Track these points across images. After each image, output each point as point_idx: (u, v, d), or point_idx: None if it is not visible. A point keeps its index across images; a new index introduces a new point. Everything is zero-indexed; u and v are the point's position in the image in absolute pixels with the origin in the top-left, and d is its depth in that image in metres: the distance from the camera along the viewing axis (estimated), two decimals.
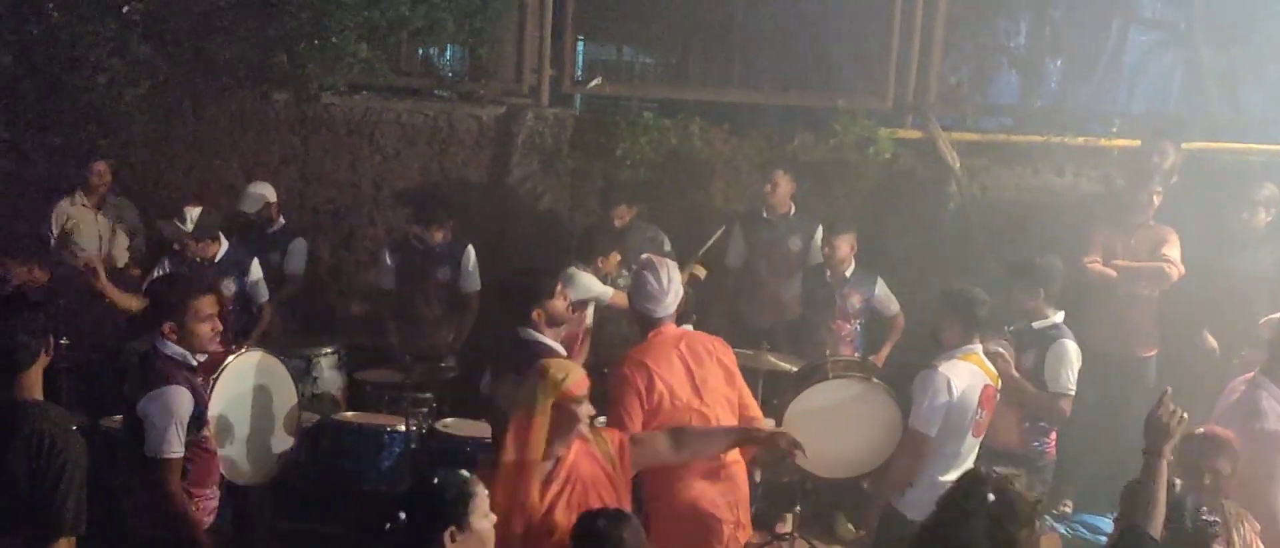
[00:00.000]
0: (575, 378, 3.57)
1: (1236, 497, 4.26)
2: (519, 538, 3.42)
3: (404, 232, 6.92)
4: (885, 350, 6.42)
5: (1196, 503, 3.75)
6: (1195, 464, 4.15)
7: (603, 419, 4.14)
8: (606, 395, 4.20)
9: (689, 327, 4.59)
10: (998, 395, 4.80)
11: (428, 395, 5.96)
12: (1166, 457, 3.37)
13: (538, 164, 7.43)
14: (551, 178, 7.44)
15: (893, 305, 6.45)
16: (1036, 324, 5.21)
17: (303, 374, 6.02)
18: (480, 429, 5.33)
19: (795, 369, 5.61)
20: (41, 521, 3.38)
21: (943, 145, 7.12)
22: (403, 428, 5.59)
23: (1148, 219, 6.26)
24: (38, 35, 7.28)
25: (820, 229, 6.61)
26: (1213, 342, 6.26)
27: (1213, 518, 3.74)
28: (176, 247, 6.06)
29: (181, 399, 3.92)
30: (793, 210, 6.79)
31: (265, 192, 6.81)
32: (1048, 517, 5.69)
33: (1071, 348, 5.11)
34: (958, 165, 7.09)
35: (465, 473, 3.14)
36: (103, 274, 5.78)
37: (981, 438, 4.79)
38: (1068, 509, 6.10)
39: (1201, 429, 4.27)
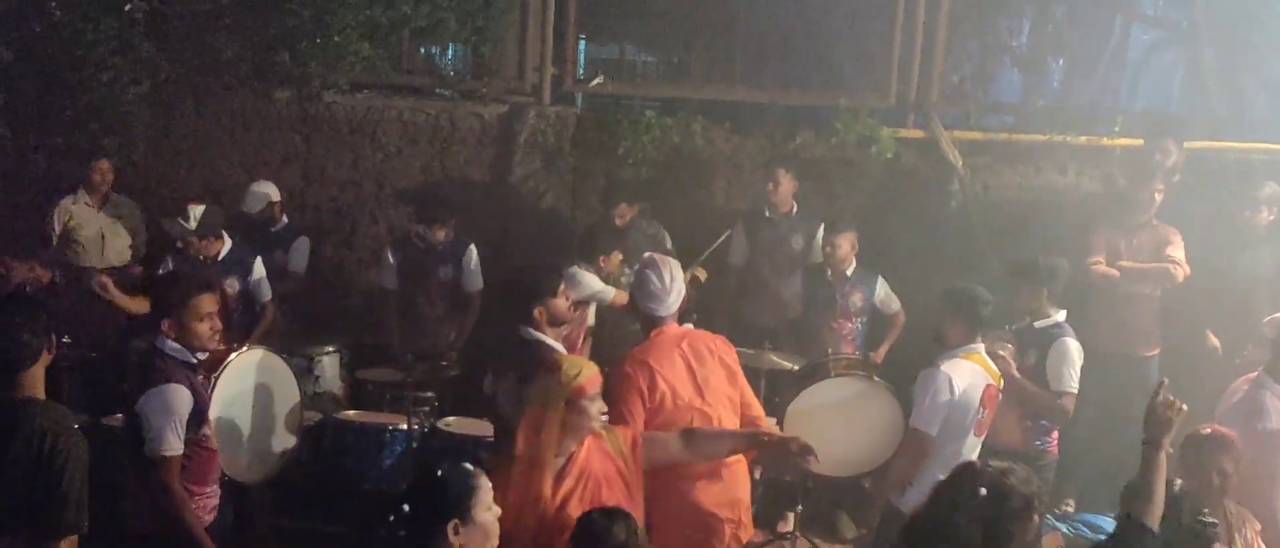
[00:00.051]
0: (588, 375, 3.61)
1: (1237, 497, 4.26)
2: (532, 534, 3.43)
3: (406, 230, 6.92)
4: (884, 348, 6.42)
5: (1195, 504, 3.75)
6: (1202, 465, 4.14)
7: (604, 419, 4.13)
8: (608, 394, 4.20)
9: (690, 325, 4.59)
10: (1000, 395, 4.80)
11: (429, 394, 5.98)
12: (1165, 449, 3.38)
13: (540, 163, 7.43)
14: (553, 176, 7.44)
15: (893, 304, 6.45)
16: (1038, 323, 5.20)
17: (305, 373, 6.02)
18: (482, 428, 5.33)
19: (797, 368, 5.61)
20: (43, 519, 3.38)
21: (945, 144, 7.12)
22: (404, 427, 5.59)
23: (1150, 218, 6.25)
24: (40, 33, 7.29)
25: (822, 228, 6.60)
26: (1215, 341, 6.26)
27: (1212, 520, 3.74)
28: (180, 244, 6.06)
29: (180, 397, 3.92)
30: (795, 209, 6.79)
31: (268, 191, 6.81)
32: (1050, 516, 5.68)
33: (1073, 347, 5.10)
34: (960, 164, 7.08)
35: (468, 466, 3.14)
36: (111, 286, 5.78)
37: (983, 437, 4.79)
38: (1069, 508, 6.10)
39: (1207, 430, 4.26)
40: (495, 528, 3.09)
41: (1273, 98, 7.44)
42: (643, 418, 4.11)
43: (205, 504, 4.14)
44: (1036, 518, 3.18)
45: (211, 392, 4.44)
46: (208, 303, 4.13)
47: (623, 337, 5.99)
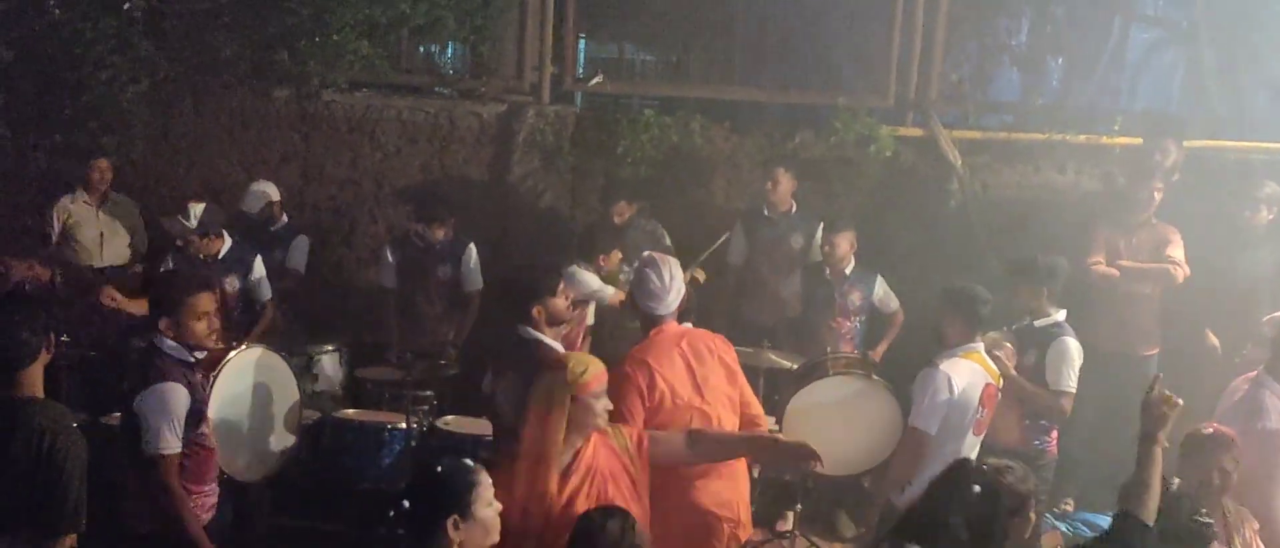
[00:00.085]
0: (594, 372, 3.62)
1: (1236, 496, 4.26)
2: (539, 531, 3.43)
3: (405, 229, 6.92)
4: (882, 346, 6.42)
5: (1194, 504, 3.74)
6: (1203, 464, 4.13)
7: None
8: (608, 393, 4.20)
9: (689, 325, 4.59)
10: (999, 394, 4.80)
11: (428, 393, 5.97)
12: (1161, 444, 3.38)
13: (539, 162, 7.42)
14: (552, 175, 7.44)
15: (892, 303, 6.45)
16: (1038, 322, 5.20)
17: (304, 371, 6.01)
18: (481, 427, 5.33)
19: (795, 367, 5.61)
20: (42, 518, 3.38)
21: (944, 143, 7.12)
22: (403, 426, 5.59)
23: (1149, 216, 6.25)
24: (39, 32, 7.29)
25: (821, 227, 6.60)
26: (1214, 340, 6.26)
27: (1208, 519, 3.74)
28: (180, 243, 6.05)
29: (177, 396, 3.93)
30: (794, 208, 6.79)
31: (267, 190, 6.80)
32: (1049, 515, 5.68)
33: (1073, 346, 5.10)
34: (959, 163, 7.08)
35: (468, 462, 3.14)
36: (119, 297, 5.77)
37: (982, 436, 4.79)
38: (1069, 508, 6.10)
39: (1209, 429, 4.26)
40: (496, 524, 3.08)
41: (1272, 97, 7.44)
42: (642, 417, 4.10)
43: (203, 503, 4.14)
44: (1033, 517, 3.18)
45: (210, 391, 4.44)
46: (205, 302, 4.13)
47: (622, 336, 5.98)
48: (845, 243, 6.30)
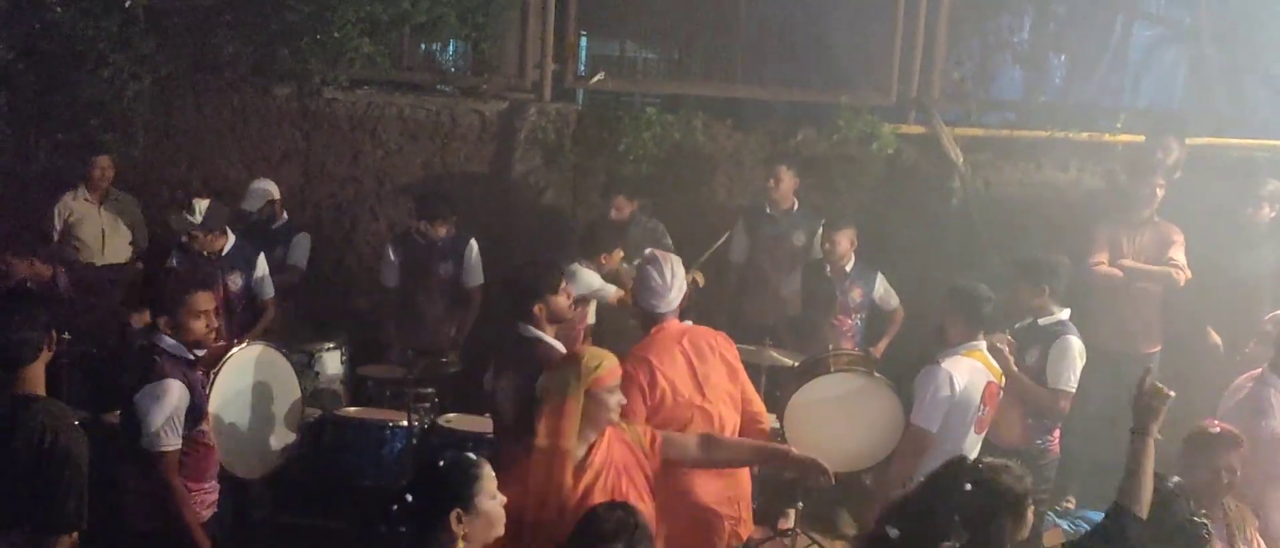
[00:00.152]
0: (608, 367, 3.64)
1: (1236, 494, 4.24)
2: (553, 525, 3.43)
3: (407, 227, 6.92)
4: (883, 343, 6.41)
5: (1189, 504, 3.72)
6: (1209, 463, 4.09)
7: None
8: None
9: (690, 322, 4.58)
10: (1001, 392, 4.79)
11: (430, 391, 5.97)
12: (1153, 436, 3.37)
13: (540, 159, 7.42)
14: (554, 173, 7.43)
15: (893, 300, 6.45)
16: (1042, 321, 5.18)
17: (305, 369, 6.01)
18: (482, 425, 5.33)
19: (797, 364, 5.60)
20: (43, 516, 3.39)
21: (946, 141, 7.11)
22: (404, 423, 5.58)
23: (1152, 214, 6.24)
24: (40, 30, 7.29)
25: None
26: (1217, 338, 6.25)
27: (1203, 520, 3.72)
28: (185, 239, 6.06)
29: (175, 393, 3.93)
30: (796, 206, 6.78)
31: (268, 188, 6.80)
32: (1051, 513, 5.68)
33: (1075, 345, 5.07)
34: (961, 161, 7.07)
35: (471, 455, 3.13)
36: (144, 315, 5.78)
37: (984, 434, 4.78)
38: (1071, 505, 6.10)
39: (1216, 428, 4.24)
40: (500, 516, 3.07)
41: (1275, 95, 7.44)
42: (643, 414, 4.11)
43: (203, 500, 4.14)
44: (1031, 516, 3.17)
45: (210, 388, 4.44)
46: (204, 301, 4.14)
47: (623, 335, 5.98)
48: (845, 240, 6.29)
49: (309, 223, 7.26)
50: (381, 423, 5.62)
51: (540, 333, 4.36)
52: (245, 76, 7.49)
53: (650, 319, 4.36)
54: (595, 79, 7.90)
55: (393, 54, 7.71)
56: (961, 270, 5.77)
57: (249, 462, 4.88)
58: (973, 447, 4.68)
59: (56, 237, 6.80)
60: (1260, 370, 4.77)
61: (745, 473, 4.38)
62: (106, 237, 6.88)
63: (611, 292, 6.07)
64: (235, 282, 6.08)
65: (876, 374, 5.20)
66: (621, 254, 6.26)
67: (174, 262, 6.04)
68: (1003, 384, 4.82)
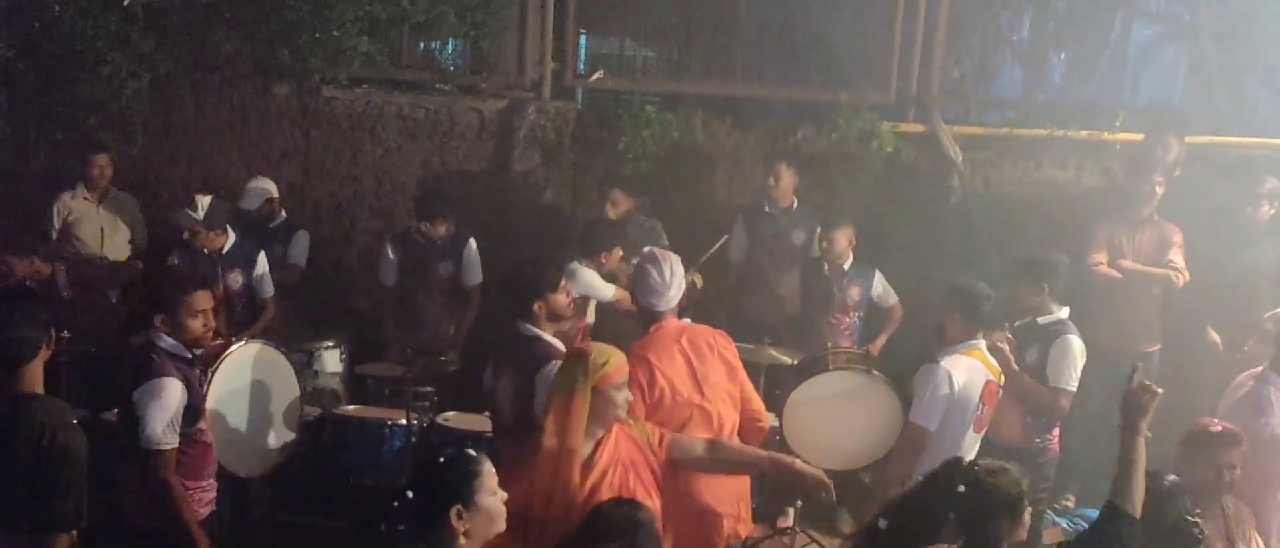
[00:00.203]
0: (615, 364, 3.64)
1: (1235, 493, 4.24)
2: (561, 521, 3.43)
3: (406, 226, 6.92)
4: (881, 340, 6.41)
5: (1184, 503, 3.72)
6: (1210, 461, 4.09)
7: None
8: None
9: (688, 321, 4.58)
10: (1000, 391, 4.79)
11: (429, 389, 5.97)
12: (1143, 432, 3.36)
13: (540, 158, 7.42)
14: (553, 171, 7.43)
15: (891, 298, 6.45)
16: (1041, 320, 5.17)
17: (304, 368, 6.01)
18: (481, 423, 5.33)
19: (796, 362, 5.61)
20: (42, 514, 3.39)
21: (945, 139, 7.11)
22: (403, 422, 5.59)
23: (1151, 212, 6.23)
24: (39, 28, 7.28)
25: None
26: (1216, 336, 6.25)
27: (1197, 520, 3.71)
28: (186, 235, 6.06)
29: (173, 391, 3.94)
30: (795, 204, 6.78)
31: (266, 187, 6.80)
32: (1050, 511, 5.68)
33: (1075, 344, 5.07)
34: (960, 159, 7.07)
35: (471, 451, 3.13)
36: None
37: (983, 433, 4.78)
38: (1070, 504, 6.10)
39: (1217, 427, 4.24)
40: (501, 512, 3.07)
41: (1275, 93, 7.44)
42: (642, 413, 4.10)
43: (202, 498, 4.15)
44: (1028, 517, 3.17)
45: (208, 386, 4.44)
46: (202, 300, 4.14)
47: (622, 334, 5.97)
48: (843, 238, 6.29)
49: (308, 221, 7.26)
50: (380, 422, 5.62)
51: (539, 331, 4.36)
52: (244, 75, 7.48)
53: (649, 317, 4.37)
54: (594, 77, 7.90)
55: (392, 52, 7.70)
56: (961, 269, 5.77)
57: (248, 460, 4.89)
58: (971, 446, 4.68)
59: (55, 235, 6.80)
60: (1260, 369, 4.77)
61: None
62: (105, 235, 6.88)
63: (610, 291, 6.06)
64: (235, 280, 6.10)
65: (875, 372, 5.20)
66: (621, 253, 6.26)
67: (175, 259, 6.05)
68: (1002, 383, 4.81)
